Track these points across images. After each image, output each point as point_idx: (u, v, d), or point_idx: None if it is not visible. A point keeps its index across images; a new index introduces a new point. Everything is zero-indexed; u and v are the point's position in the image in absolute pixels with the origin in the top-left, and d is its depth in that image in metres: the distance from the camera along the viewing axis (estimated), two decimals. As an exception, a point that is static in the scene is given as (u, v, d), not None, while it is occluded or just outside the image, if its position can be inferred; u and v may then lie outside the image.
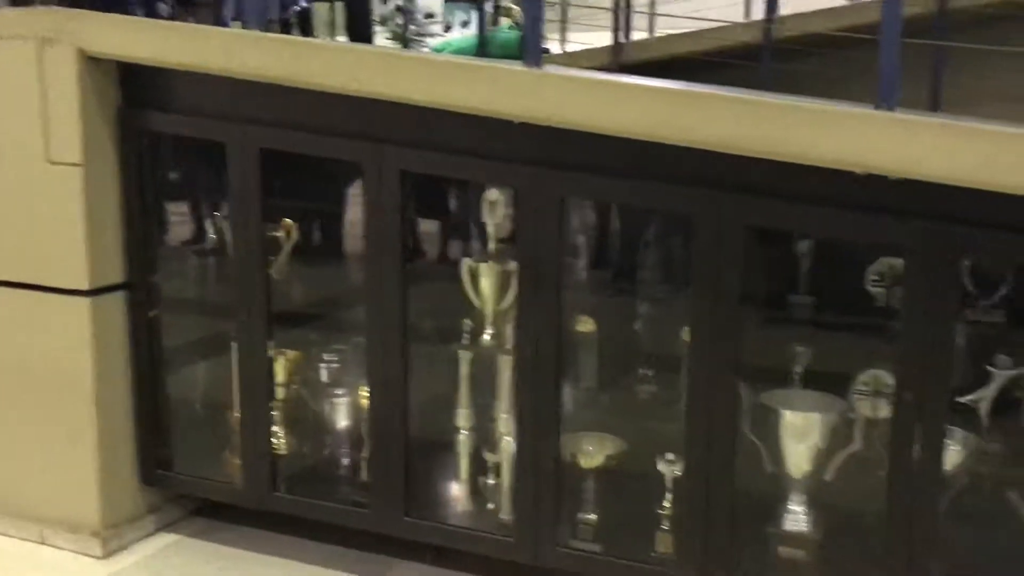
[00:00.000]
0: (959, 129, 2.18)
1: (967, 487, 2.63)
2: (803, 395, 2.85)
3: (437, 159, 2.84)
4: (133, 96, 3.17)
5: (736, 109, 2.36)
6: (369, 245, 2.98)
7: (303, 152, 3.03)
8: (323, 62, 2.80)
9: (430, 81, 2.67)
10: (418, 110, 2.74)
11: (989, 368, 2.64)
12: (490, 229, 3.00)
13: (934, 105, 4.81)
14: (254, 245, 3.10)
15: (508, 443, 3.01)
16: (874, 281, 2.81)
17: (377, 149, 2.86)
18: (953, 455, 2.59)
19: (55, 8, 3.15)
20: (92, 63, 3.06)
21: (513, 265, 2.87)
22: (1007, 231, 2.33)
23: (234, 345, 3.20)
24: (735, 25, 5.76)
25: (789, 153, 2.31)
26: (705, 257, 2.57)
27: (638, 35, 6.26)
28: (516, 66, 2.63)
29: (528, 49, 2.64)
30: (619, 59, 5.60)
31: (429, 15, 10.17)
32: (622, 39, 5.64)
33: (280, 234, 3.33)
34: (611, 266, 3.62)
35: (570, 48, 6.82)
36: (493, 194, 2.96)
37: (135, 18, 3.61)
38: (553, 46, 6.68)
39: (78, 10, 3.18)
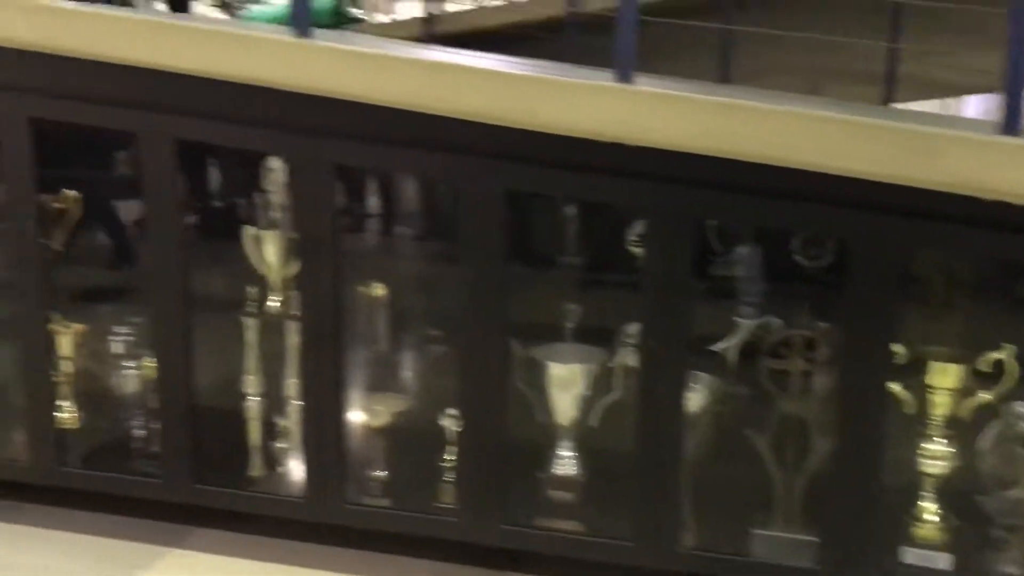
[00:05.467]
0: (679, 99, 2.38)
1: (713, 427, 2.89)
2: (569, 348, 3.05)
3: (211, 128, 2.86)
4: None
5: (483, 80, 2.49)
6: (149, 215, 2.98)
7: (75, 121, 2.98)
8: (87, 29, 2.77)
9: (197, 50, 2.69)
10: (191, 78, 2.75)
11: (735, 319, 2.90)
12: (271, 197, 3.05)
13: (724, 77, 5.11)
14: (27, 217, 3.03)
15: (297, 407, 3.08)
16: (635, 241, 3.02)
17: (150, 118, 2.85)
18: (698, 399, 2.85)
19: None
20: None
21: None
22: (737, 193, 2.58)
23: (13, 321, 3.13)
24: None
25: (531, 122, 2.47)
26: (469, 221, 2.71)
27: (455, 6, 6.37)
28: (284, 36, 2.68)
29: (296, 20, 2.69)
30: (432, 30, 5.68)
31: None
32: (433, 11, 5.72)
33: (61, 205, 3.28)
34: (404, 231, 3.73)
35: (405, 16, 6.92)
36: (272, 162, 3.01)
37: None
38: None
39: None
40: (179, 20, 2.88)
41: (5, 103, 2.94)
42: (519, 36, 5.81)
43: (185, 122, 2.83)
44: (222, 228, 3.79)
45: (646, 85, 2.51)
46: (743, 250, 3.10)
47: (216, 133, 2.87)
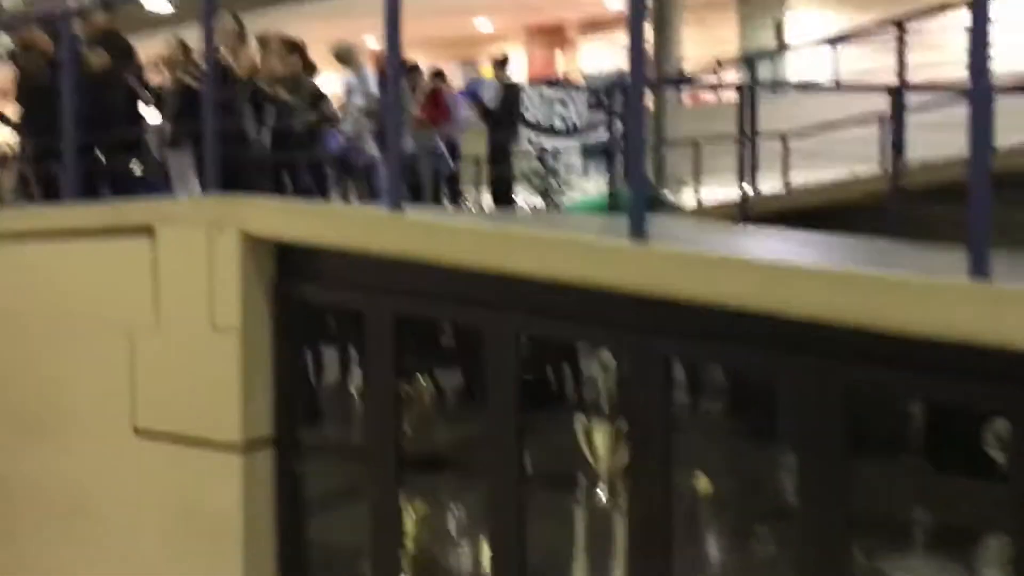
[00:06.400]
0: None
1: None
2: (921, 561, 2.79)
3: (550, 324, 3.05)
4: (286, 269, 3.57)
5: (820, 282, 2.46)
6: (489, 402, 3.18)
7: (432, 318, 3.31)
8: (446, 241, 3.11)
9: (539, 257, 2.91)
10: (533, 281, 2.97)
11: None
12: (602, 389, 3.15)
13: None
14: (387, 403, 3.36)
15: (624, 601, 3.06)
16: (994, 443, 2.77)
17: (496, 316, 3.10)
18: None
19: (223, 196, 3.64)
20: (253, 242, 3.50)
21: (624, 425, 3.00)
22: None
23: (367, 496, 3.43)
24: (866, 178, 5.84)
25: (876, 324, 2.38)
26: (804, 419, 2.62)
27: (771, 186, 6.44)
28: (622, 242, 2.83)
29: (632, 225, 2.84)
30: (746, 211, 5.75)
31: (568, 166, 10.66)
32: (749, 192, 5.81)
33: (415, 392, 3.63)
34: (731, 424, 3.68)
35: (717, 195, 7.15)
36: (604, 355, 3.13)
37: (290, 203, 4.08)
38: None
39: (242, 197, 3.65)
40: (523, 229, 3.14)
41: (375, 303, 3.34)
42: (840, 210, 5.71)
43: (528, 320, 3.05)
44: (536, 404, 3.97)
45: (1002, 277, 2.34)
46: None
47: (556, 329, 3.06)
